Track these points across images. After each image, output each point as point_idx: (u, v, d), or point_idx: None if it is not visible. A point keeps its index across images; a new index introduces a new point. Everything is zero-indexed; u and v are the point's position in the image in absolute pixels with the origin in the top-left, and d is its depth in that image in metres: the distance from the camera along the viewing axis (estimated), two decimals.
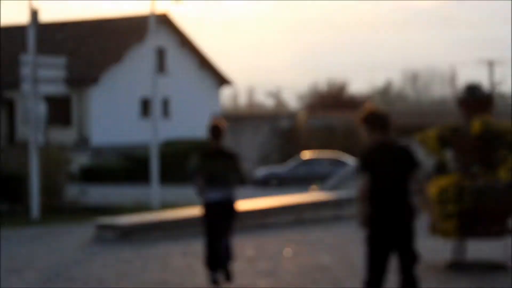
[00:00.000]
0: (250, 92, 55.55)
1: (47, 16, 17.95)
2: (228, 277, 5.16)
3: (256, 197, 13.04)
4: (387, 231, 3.22)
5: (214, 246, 5.14)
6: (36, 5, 12.73)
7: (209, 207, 5.12)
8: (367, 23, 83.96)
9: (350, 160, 20.87)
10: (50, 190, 13.21)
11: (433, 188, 6.60)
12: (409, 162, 3.38)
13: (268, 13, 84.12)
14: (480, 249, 7.05)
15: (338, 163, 21.99)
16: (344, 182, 15.22)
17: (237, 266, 5.81)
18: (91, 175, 22.34)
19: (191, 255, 7.39)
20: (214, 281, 5.09)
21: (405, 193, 3.33)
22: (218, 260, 5.10)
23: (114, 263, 7.18)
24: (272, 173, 23.38)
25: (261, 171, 23.65)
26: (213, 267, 5.11)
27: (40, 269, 6.98)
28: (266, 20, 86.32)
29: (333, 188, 15.09)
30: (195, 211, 7.34)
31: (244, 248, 7.72)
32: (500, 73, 39.78)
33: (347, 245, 8.53)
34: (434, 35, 78.93)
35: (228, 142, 8.33)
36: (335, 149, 23.22)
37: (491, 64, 37.56)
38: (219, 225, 5.12)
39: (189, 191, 8.93)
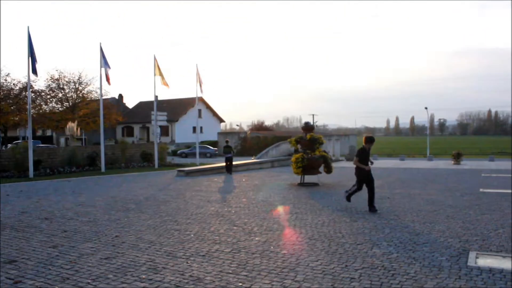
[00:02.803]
0: (231, 123, 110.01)
1: (160, 96, 37.65)
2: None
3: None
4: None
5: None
6: (156, 93, 27.78)
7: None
8: None
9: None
10: (161, 158, 28.22)
11: (293, 158, 17.86)
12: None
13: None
14: (309, 178, 17.52)
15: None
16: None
17: (234, 181, 17.70)
18: (175, 153, 43.94)
19: (211, 181, 19.06)
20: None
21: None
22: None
23: (183, 183, 18.29)
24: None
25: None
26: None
27: (156, 186, 17.73)
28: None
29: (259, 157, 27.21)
30: (215, 164, 19.89)
31: (240, 177, 19.76)
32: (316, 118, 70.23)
33: (263, 177, 20.13)
34: None
35: (222, 141, 21.84)
36: (258, 146, 44.84)
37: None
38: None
39: (210, 160, 26.00)
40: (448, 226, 8.74)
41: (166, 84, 26.14)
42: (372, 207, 10.67)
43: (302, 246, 7.26)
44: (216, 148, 46.44)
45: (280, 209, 11.23)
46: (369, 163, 10.84)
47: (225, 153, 22.91)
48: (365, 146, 10.83)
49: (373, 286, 5.30)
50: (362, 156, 10.80)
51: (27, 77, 20.96)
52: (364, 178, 10.78)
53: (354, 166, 10.97)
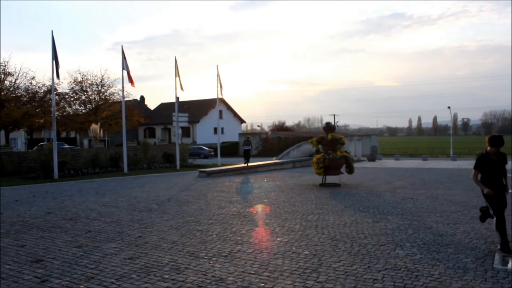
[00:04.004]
0: (252, 124, 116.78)
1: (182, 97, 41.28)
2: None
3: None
4: None
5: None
6: (177, 94, 27.04)
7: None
8: None
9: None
10: (183, 159, 27.93)
11: (315, 159, 17.80)
12: None
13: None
14: (330, 179, 17.53)
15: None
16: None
17: (252, 183, 17.75)
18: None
19: (232, 182, 19.07)
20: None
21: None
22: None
23: (205, 184, 18.40)
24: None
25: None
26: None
27: (178, 186, 17.89)
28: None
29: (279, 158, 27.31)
30: (234, 166, 19.95)
31: (253, 177, 19.80)
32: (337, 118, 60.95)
33: (284, 178, 20.08)
34: None
35: (242, 141, 21.87)
36: (279, 146, 46.45)
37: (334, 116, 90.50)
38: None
39: (231, 160, 24.22)
40: (473, 227, 8.61)
41: (181, 87, 26.29)
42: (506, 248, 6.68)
43: (324, 247, 7.23)
44: (211, 149, 47.11)
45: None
46: (500, 183, 7.02)
47: (245, 145, 27.07)
48: (490, 151, 7.01)
49: (396, 287, 5.25)
50: (484, 167, 7.05)
51: (51, 80, 21.26)
52: (494, 202, 7.00)
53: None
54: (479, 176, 7.15)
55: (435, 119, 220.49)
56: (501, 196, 6.95)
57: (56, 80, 25.20)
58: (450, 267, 6.02)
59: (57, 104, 45.76)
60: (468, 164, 30.43)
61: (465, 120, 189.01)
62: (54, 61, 20.39)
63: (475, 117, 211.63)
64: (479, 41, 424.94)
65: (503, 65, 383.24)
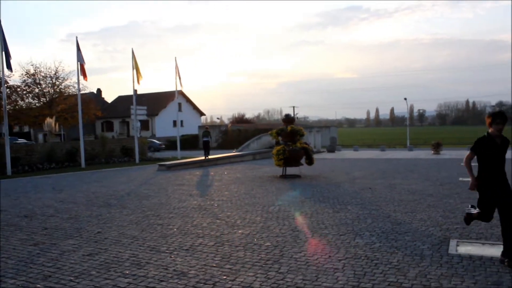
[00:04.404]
0: (211, 117, 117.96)
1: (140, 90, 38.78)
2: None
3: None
4: None
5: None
6: (136, 87, 26.54)
7: None
8: None
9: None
10: (142, 152, 27.50)
11: (274, 150, 17.86)
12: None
13: None
14: (290, 170, 17.64)
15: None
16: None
17: (217, 175, 17.65)
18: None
19: (192, 175, 18.99)
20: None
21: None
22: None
23: (165, 177, 18.19)
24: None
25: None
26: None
27: (138, 180, 17.61)
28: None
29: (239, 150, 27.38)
30: (194, 159, 19.75)
31: (220, 170, 19.70)
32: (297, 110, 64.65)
33: (245, 170, 20.13)
34: None
35: (205, 134, 21.74)
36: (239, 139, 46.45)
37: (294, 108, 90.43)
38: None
39: (191, 153, 24.18)
40: (429, 215, 8.86)
41: (138, 81, 25.80)
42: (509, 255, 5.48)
43: (285, 238, 7.28)
44: (161, 142, 47.83)
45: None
46: (503, 173, 5.70)
47: (204, 137, 26.25)
48: (493, 132, 5.66)
49: (357, 276, 5.35)
50: (485, 152, 5.71)
51: (1, 72, 20.42)
52: (492, 194, 5.67)
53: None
54: (474, 169, 5.88)
55: (392, 110, 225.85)
56: (502, 191, 5.58)
57: (7, 73, 24.26)
58: (408, 254, 6.17)
59: (9, 97, 44.15)
60: (424, 154, 31.35)
61: (421, 111, 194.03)
62: (3, 52, 19.63)
63: (431, 108, 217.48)
64: (434, 34, 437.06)
65: (456, 58, 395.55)
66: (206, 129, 27.33)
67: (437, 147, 31.62)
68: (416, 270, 5.49)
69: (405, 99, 56.53)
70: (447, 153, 30.56)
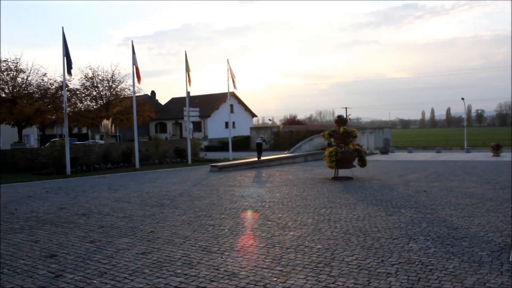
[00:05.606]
0: (263, 118, 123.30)
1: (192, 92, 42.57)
2: None
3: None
4: None
5: None
6: (188, 89, 26.71)
7: None
8: None
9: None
10: (195, 153, 27.96)
11: (327, 152, 17.70)
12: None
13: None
14: (343, 172, 17.49)
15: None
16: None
17: (261, 177, 17.71)
18: (208, 149, 45.52)
19: (244, 176, 19.10)
20: None
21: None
22: None
23: (217, 178, 18.42)
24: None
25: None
26: None
27: (190, 181, 17.98)
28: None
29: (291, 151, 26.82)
30: (246, 160, 19.88)
31: (262, 172, 19.73)
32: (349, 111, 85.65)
33: (297, 171, 20.00)
34: None
35: (254, 136, 21.68)
36: (291, 140, 45.67)
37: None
38: None
39: (242, 154, 24.62)
40: (488, 220, 8.49)
41: (189, 83, 26.15)
42: None
43: (337, 240, 7.18)
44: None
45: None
46: None
47: (257, 140, 27.47)
48: None
49: (410, 281, 5.19)
50: None
51: (62, 77, 21.35)
52: None
53: None
54: None
55: (448, 110, 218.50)
56: None
57: (67, 77, 25.31)
58: (465, 260, 5.93)
59: (69, 100, 45.98)
60: (483, 156, 30.11)
61: (479, 111, 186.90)
62: (65, 58, 20.48)
63: (490, 108, 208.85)
64: (494, 31, 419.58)
65: None
66: (261, 138, 28.84)
67: (497, 149, 30.30)
68: (474, 277, 5.27)
69: (463, 99, 54.58)
70: (507, 155, 29.18)
